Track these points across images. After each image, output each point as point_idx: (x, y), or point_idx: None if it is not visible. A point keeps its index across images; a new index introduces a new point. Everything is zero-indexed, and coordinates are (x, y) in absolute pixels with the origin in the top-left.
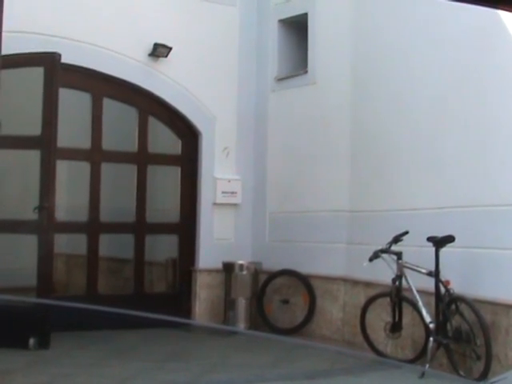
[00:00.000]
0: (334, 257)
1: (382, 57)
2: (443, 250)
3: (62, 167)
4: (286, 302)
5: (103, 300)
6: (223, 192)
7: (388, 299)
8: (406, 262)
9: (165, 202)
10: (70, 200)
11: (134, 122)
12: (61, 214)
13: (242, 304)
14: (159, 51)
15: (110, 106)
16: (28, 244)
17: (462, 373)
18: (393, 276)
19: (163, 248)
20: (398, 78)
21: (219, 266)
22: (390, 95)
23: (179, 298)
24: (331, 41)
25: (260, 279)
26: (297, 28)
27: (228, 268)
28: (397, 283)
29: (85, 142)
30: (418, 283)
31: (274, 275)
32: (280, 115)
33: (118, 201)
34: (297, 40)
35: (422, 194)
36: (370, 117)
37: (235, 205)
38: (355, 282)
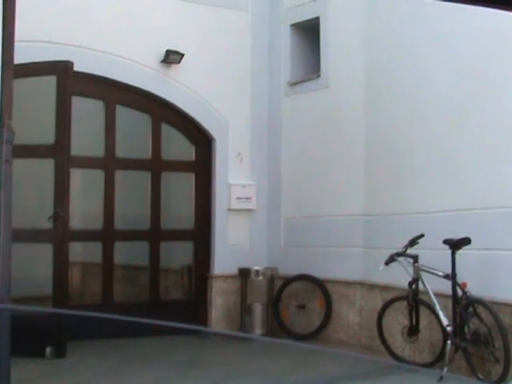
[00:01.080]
0: (350, 261)
1: (395, 60)
2: (459, 253)
3: (76, 175)
4: (302, 307)
5: (119, 308)
6: (238, 198)
7: (405, 303)
8: (422, 265)
9: (179, 208)
10: (84, 208)
11: (147, 129)
12: (75, 222)
13: (258, 310)
14: (171, 58)
15: (122, 114)
16: (43, 253)
17: (480, 376)
18: (409, 279)
19: (178, 255)
20: (412, 81)
21: (235, 271)
22: (404, 98)
23: (195, 304)
24: (344, 44)
25: (276, 285)
26: (309, 32)
27: (244, 274)
28: (413, 286)
29: (98, 150)
30: (434, 286)
31: (289, 280)
32: (293, 119)
33: (132, 208)
34: (309, 44)
35: (438, 196)
36: (383, 120)
37: (250, 210)
38: (372, 286)
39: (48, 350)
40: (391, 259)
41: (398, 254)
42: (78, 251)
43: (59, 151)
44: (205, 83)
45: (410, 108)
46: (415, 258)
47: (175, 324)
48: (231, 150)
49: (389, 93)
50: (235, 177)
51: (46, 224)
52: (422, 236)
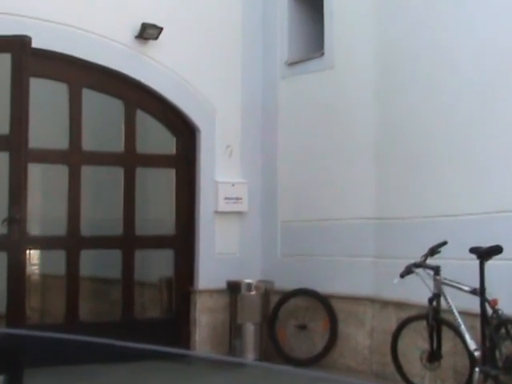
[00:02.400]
0: (359, 273)
1: (412, 35)
2: (489, 263)
3: (35, 172)
4: (302, 327)
5: (86, 328)
6: (226, 198)
7: (424, 323)
8: (444, 278)
9: (157, 210)
10: (45, 210)
11: (119, 117)
12: (34, 226)
13: (250, 330)
14: (148, 32)
15: (90, 99)
16: None
17: None
18: (429, 295)
19: (156, 265)
20: (432, 60)
21: (223, 285)
22: (423, 80)
23: (176, 324)
24: (352, 17)
25: (271, 301)
26: (311, 2)
27: (233, 288)
28: (434, 303)
29: (61, 142)
30: (459, 303)
31: (287, 296)
32: (292, 106)
33: (101, 210)
34: (311, 16)
35: (463, 197)
36: (398, 106)
37: (241, 213)
38: (384, 303)
39: (1, 378)
40: (408, 271)
41: (416, 265)
42: (37, 261)
43: (15, 143)
44: (187, 63)
45: (430, 92)
46: (436, 270)
47: (153, 347)
48: (219, 141)
49: (405, 74)
50: (223, 173)
51: (0, 229)
52: (444, 244)
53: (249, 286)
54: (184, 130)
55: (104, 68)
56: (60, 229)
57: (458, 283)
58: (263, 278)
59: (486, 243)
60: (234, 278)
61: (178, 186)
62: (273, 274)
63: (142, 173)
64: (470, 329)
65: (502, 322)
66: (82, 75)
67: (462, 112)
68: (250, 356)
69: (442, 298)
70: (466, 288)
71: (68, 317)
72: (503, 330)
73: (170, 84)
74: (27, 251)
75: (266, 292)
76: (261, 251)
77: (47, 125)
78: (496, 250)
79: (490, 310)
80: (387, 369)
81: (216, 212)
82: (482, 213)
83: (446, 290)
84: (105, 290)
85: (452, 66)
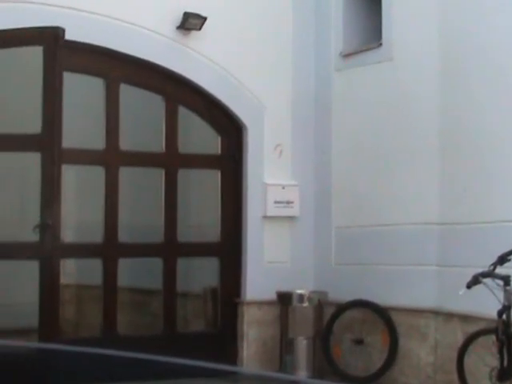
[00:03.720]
0: (421, 283)
1: (480, 24)
2: None
3: (69, 173)
4: (359, 342)
5: (125, 343)
6: (276, 202)
7: (493, 337)
8: None
9: (201, 215)
10: (79, 215)
11: (160, 114)
12: (68, 233)
13: (302, 345)
14: (191, 22)
15: (128, 95)
16: (27, 272)
17: None
18: (499, 307)
19: (200, 275)
20: (503, 53)
21: (272, 296)
22: (491, 75)
23: (222, 338)
24: (413, 3)
25: (325, 313)
26: None
27: (284, 299)
28: (504, 316)
29: (97, 141)
30: None
31: (343, 308)
32: (347, 101)
33: (141, 215)
34: (367, 4)
35: None
36: (464, 102)
37: (292, 218)
38: (449, 316)
39: None
40: (475, 281)
41: (484, 275)
42: (71, 270)
43: (47, 143)
44: (233, 55)
45: (500, 88)
46: (506, 280)
47: (197, 363)
48: (268, 140)
49: (472, 66)
50: (273, 175)
51: (31, 236)
52: None
53: (301, 297)
54: (230, 128)
55: (143, 61)
56: (96, 235)
57: None
58: (316, 289)
59: None
60: (284, 288)
61: (223, 189)
62: (327, 284)
63: (184, 174)
64: None
65: None
66: (119, 69)
67: None
68: (302, 373)
69: None
70: None
71: (105, 330)
72: None
73: (215, 78)
74: (61, 260)
75: (320, 304)
76: (313, 259)
77: (82, 123)
78: None
79: None
80: None
81: (265, 217)
82: None
83: None
84: (145, 301)
85: None
